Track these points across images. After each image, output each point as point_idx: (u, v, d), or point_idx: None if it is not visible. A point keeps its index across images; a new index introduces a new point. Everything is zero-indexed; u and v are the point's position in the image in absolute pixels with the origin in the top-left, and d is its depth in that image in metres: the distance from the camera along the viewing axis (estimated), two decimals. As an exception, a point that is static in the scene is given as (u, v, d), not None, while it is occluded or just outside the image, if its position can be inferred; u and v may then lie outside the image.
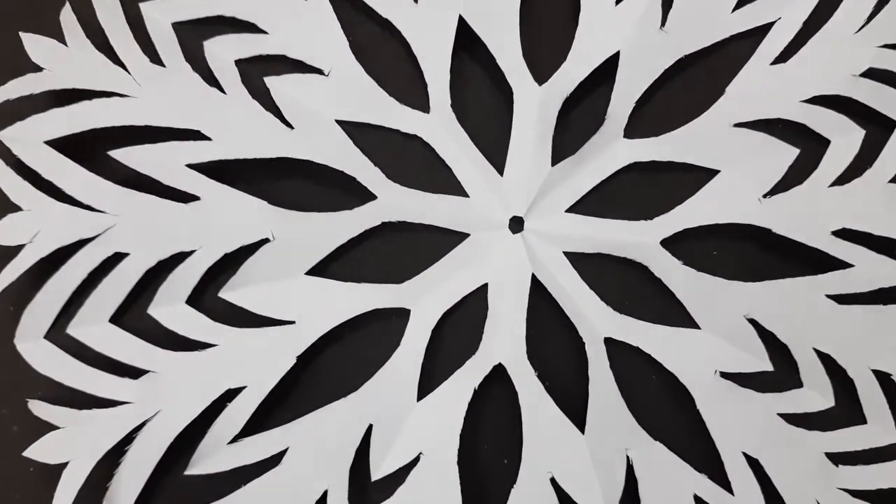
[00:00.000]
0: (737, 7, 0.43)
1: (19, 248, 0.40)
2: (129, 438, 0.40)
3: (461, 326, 0.42)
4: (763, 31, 0.43)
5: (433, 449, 0.41)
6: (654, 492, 0.41)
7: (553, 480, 0.40)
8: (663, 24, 0.42)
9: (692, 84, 0.44)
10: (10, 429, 0.42)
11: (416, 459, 0.40)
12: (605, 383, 0.41)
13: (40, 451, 0.39)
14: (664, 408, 0.42)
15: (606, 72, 0.43)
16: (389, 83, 0.43)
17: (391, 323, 0.42)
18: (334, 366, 0.42)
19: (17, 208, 0.40)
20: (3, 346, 0.40)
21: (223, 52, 0.41)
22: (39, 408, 0.39)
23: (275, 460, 0.40)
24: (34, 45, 0.41)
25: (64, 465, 0.39)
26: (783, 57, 0.43)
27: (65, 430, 0.40)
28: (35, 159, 0.40)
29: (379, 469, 0.40)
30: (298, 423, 0.40)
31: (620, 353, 0.42)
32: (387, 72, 0.43)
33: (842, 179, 0.42)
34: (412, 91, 0.43)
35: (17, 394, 0.41)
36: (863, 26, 0.43)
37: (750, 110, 0.43)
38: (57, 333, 0.40)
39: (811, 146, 0.42)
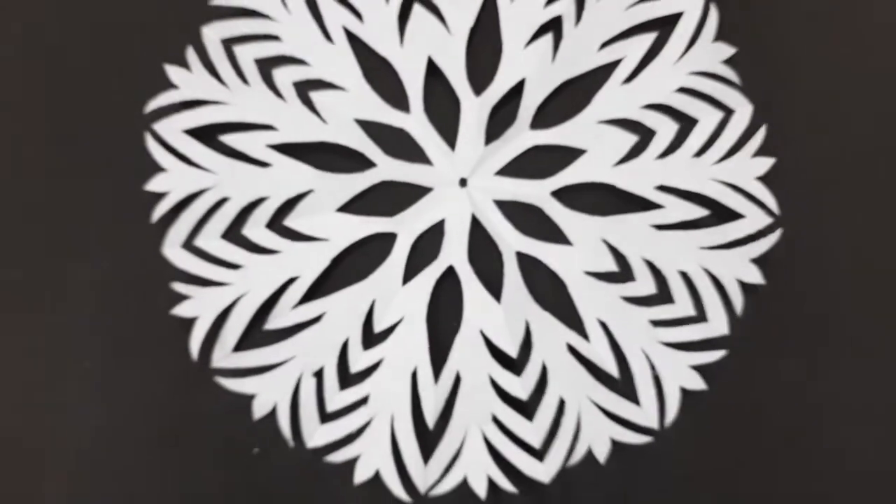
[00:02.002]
0: (601, 48, 0.65)
1: (165, 194, 0.64)
2: (232, 305, 0.63)
3: (428, 244, 0.65)
4: (617, 63, 0.65)
5: (411, 314, 0.64)
6: (542, 341, 0.64)
7: (482, 332, 0.64)
8: (553, 59, 0.65)
9: (572, 96, 0.66)
10: (162, 305, 0.64)
11: (401, 320, 0.64)
12: (514, 276, 0.64)
13: (181, 309, 0.63)
14: (550, 292, 0.65)
15: (519, 88, 0.65)
16: (385, 95, 0.65)
17: (386, 241, 0.65)
18: (352, 266, 0.65)
19: (163, 170, 0.64)
20: (154, 255, 0.64)
21: (284, 77, 0.64)
22: (180, 287, 0.63)
23: (317, 319, 0.64)
24: (173, 73, 0.64)
25: (194, 319, 0.63)
26: (629, 79, 0.65)
27: (194, 299, 0.63)
28: (175, 141, 0.64)
29: (380, 325, 0.64)
30: (331, 298, 0.64)
31: (524, 260, 0.65)
32: (384, 88, 0.66)
33: (663, 155, 0.64)
34: (400, 100, 0.66)
35: (164, 282, 0.63)
36: (678, 60, 0.65)
37: (607, 112, 0.65)
38: (187, 245, 0.63)
39: (645, 135, 0.65)
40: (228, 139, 0.65)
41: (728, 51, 0.65)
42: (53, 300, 0.65)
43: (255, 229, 0.64)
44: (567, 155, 0.66)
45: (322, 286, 0.65)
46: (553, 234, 0.66)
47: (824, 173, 0.67)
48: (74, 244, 0.65)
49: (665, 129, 0.65)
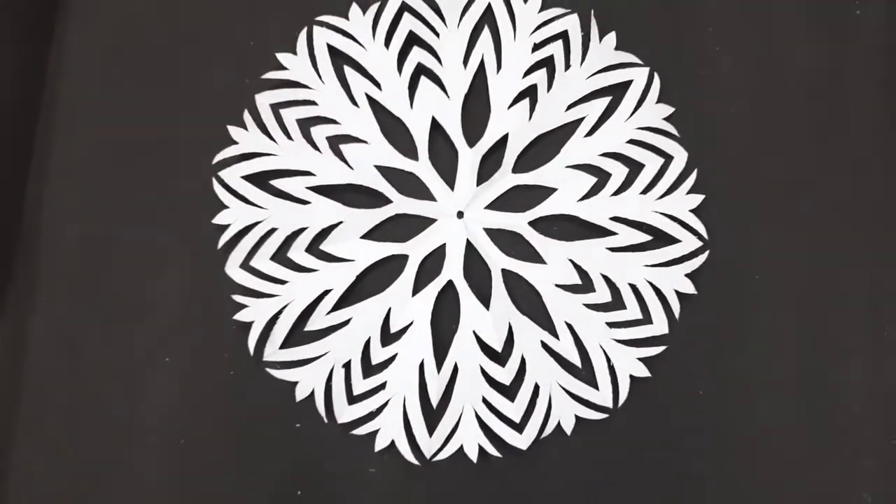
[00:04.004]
0: (568, 108, 0.79)
1: (227, 226, 0.78)
2: (279, 312, 0.77)
3: (433, 264, 0.79)
4: (580, 120, 0.79)
5: (419, 320, 0.78)
6: (521, 339, 0.78)
7: (474, 332, 0.78)
8: (530, 118, 0.79)
9: (545, 147, 0.80)
10: (226, 313, 0.78)
11: (410, 324, 0.78)
12: (500, 289, 0.78)
13: (241, 315, 0.78)
14: (528, 301, 0.79)
15: (504, 140, 0.80)
16: (399, 146, 0.80)
17: (399, 261, 0.79)
18: (371, 281, 0.79)
19: (226, 207, 0.78)
20: (219, 273, 0.78)
21: (320, 133, 0.79)
22: (239, 298, 0.78)
23: (345, 323, 0.78)
24: (234, 131, 0.79)
25: (251, 323, 0.78)
26: (590, 133, 0.79)
27: (250, 308, 0.78)
28: (235, 184, 0.78)
29: (395, 327, 0.78)
30: (356, 306, 0.78)
31: (508, 275, 0.79)
32: (398, 141, 0.80)
33: (617, 192, 0.79)
34: (410, 150, 0.80)
35: (227, 294, 0.78)
36: (629, 118, 0.79)
37: (573, 159, 0.79)
38: (244, 265, 0.78)
39: (602, 178, 0.79)
40: (277, 183, 0.79)
41: (668, 110, 0.80)
42: (143, 310, 0.79)
43: (297, 252, 0.78)
44: (541, 192, 0.80)
45: (349, 297, 0.79)
46: (530, 255, 0.80)
47: (742, 206, 0.81)
48: (159, 266, 0.80)
49: (618, 171, 0.79)
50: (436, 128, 0.81)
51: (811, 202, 0.81)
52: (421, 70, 0.81)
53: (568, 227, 0.80)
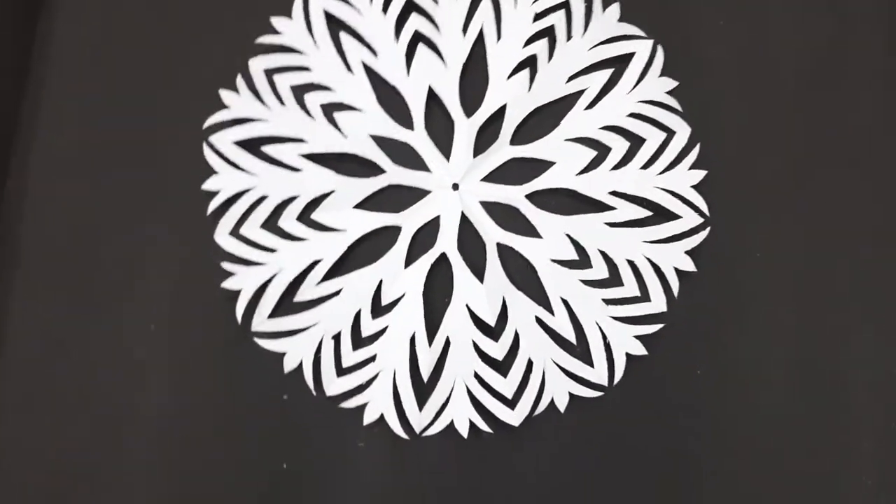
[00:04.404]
0: (569, 80, 0.78)
1: (215, 193, 0.77)
2: (268, 281, 0.76)
3: (426, 235, 0.78)
4: (581, 92, 0.78)
5: (411, 293, 0.76)
6: (515, 309, 0.76)
7: (467, 306, 0.76)
8: (530, 88, 0.78)
9: (544, 119, 0.78)
10: (214, 280, 0.77)
11: (402, 296, 0.77)
12: (494, 262, 0.77)
13: (228, 284, 0.76)
14: (523, 275, 0.77)
15: (501, 112, 0.78)
16: (394, 114, 0.78)
17: (391, 232, 0.78)
18: (363, 252, 0.77)
19: (215, 173, 0.77)
20: (207, 241, 0.77)
21: (314, 100, 0.77)
22: (226, 266, 0.76)
23: (336, 294, 0.76)
24: (225, 95, 0.77)
25: (238, 291, 0.76)
26: (591, 105, 0.78)
27: (238, 276, 0.76)
28: (226, 150, 0.77)
29: (387, 297, 0.76)
30: (347, 277, 0.77)
31: (503, 250, 0.77)
32: (392, 109, 0.78)
33: (616, 166, 0.77)
34: (406, 120, 0.78)
35: (214, 263, 0.76)
36: (631, 90, 0.78)
37: (573, 132, 0.78)
38: (233, 233, 0.76)
39: (601, 151, 0.77)
40: (268, 149, 0.77)
41: (671, 83, 0.78)
42: (131, 277, 0.78)
43: (288, 221, 0.77)
44: (539, 166, 0.79)
45: (340, 268, 0.78)
46: (527, 229, 0.79)
47: (744, 183, 0.80)
48: (147, 233, 0.79)
49: (618, 146, 0.78)
50: (432, 98, 0.79)
51: (815, 181, 0.80)
52: (418, 38, 0.79)
53: (566, 202, 0.79)
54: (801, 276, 0.79)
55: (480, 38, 0.79)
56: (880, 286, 0.79)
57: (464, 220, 0.79)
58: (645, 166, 0.78)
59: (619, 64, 0.79)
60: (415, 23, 0.79)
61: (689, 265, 0.77)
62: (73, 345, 0.78)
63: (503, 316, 0.77)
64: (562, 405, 0.76)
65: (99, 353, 0.78)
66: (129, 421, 0.77)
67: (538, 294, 0.78)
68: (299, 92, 0.78)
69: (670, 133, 0.78)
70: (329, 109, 0.78)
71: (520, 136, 0.79)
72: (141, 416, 0.77)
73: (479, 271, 0.78)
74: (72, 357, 0.77)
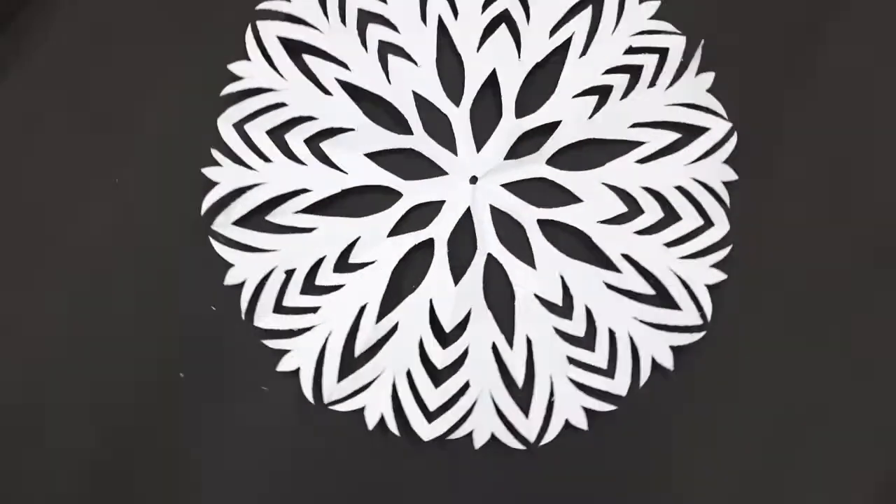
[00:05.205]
0: (551, 34, 0.73)
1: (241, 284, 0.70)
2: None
3: (462, 235, 0.72)
4: (568, 43, 0.72)
5: (475, 305, 0.72)
6: (582, 289, 0.72)
7: (536, 296, 0.72)
8: (519, 56, 0.73)
9: (542, 84, 0.73)
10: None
11: (469, 313, 0.71)
12: (540, 241, 0.73)
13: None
14: (575, 248, 0.73)
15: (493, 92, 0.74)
16: (389, 126, 0.72)
17: (426, 247, 0.72)
18: (406, 276, 0.72)
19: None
20: (247, 329, 0.70)
21: (295, 138, 0.72)
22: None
23: (395, 329, 0.71)
24: (210, 172, 0.70)
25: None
26: (584, 53, 0.72)
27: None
28: (235, 234, 0.71)
29: (446, 317, 0.71)
30: (400, 308, 0.71)
31: (545, 227, 0.73)
32: (387, 121, 0.72)
33: (623, 96, 0.72)
34: (403, 128, 0.72)
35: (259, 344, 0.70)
36: (614, 29, 0.73)
37: (574, 87, 0.72)
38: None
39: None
40: (274, 217, 0.72)
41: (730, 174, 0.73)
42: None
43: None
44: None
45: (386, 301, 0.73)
46: (561, 199, 0.74)
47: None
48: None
49: (619, 83, 0.74)
50: (417, 99, 0.74)
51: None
52: (384, 46, 0.74)
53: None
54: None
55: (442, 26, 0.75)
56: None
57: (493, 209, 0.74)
58: (651, 85, 0.74)
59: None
60: (374, 32, 0.74)
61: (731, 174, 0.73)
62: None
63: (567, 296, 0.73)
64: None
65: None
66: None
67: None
68: (280, 133, 0.73)
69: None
70: (317, 140, 0.74)
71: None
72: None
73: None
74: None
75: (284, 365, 0.72)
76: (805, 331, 0.74)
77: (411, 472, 0.73)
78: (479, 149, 0.74)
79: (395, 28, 0.74)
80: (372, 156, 0.73)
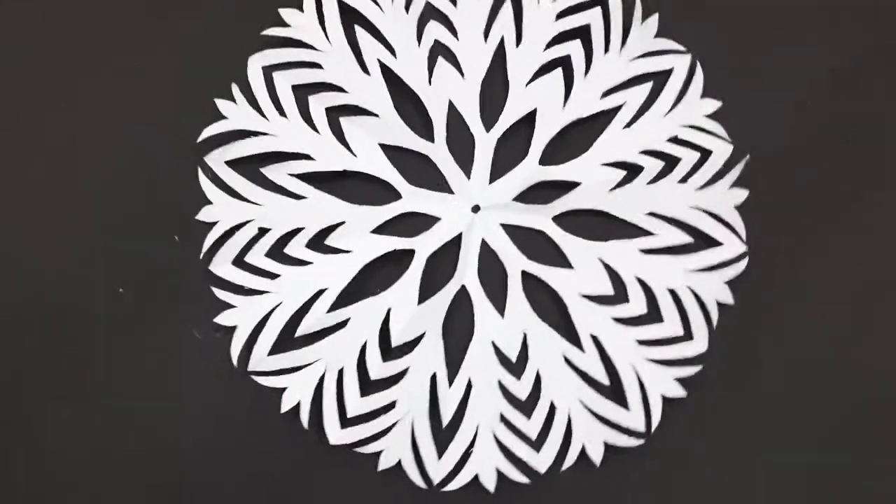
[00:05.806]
0: (603, 96, 0.71)
1: (213, 223, 0.68)
2: (268, 315, 0.68)
3: (440, 261, 0.70)
4: (617, 109, 0.71)
5: (431, 330, 0.69)
6: (539, 354, 0.69)
7: (493, 343, 0.69)
8: (564, 105, 0.71)
9: (576, 138, 0.71)
10: (209, 316, 0.69)
11: (422, 336, 0.69)
12: (517, 296, 0.70)
13: (221, 319, 0.68)
14: (549, 311, 0.70)
15: (528, 128, 0.72)
16: (413, 125, 0.70)
17: (404, 256, 0.70)
18: (374, 277, 0.69)
19: (209, 202, 0.69)
20: (203, 272, 0.69)
21: (318, 104, 0.70)
22: (220, 293, 0.68)
23: (344, 323, 0.69)
24: (222, 104, 0.69)
25: (234, 327, 0.68)
26: (629, 125, 0.71)
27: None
28: (222, 172, 0.70)
29: (397, 332, 0.69)
30: (357, 306, 0.69)
31: (528, 280, 0.70)
32: (412, 119, 0.71)
33: (652, 181, 0.70)
34: (426, 132, 0.70)
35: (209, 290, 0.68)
36: (668, 112, 0.71)
37: (607, 155, 0.71)
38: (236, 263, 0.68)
39: (635, 170, 0.70)
40: (269, 172, 0.71)
41: (713, 105, 0.72)
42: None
43: (295, 248, 0.70)
44: (565, 187, 0.72)
45: (348, 298, 0.70)
46: (555, 257, 0.72)
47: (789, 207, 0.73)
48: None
49: (654, 164, 0.71)
50: (452, 110, 0.72)
51: (868, 212, 0.74)
52: (438, 46, 0.72)
53: (595, 225, 0.72)
54: (856, 310, 0.73)
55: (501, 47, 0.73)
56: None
57: (484, 245, 0.72)
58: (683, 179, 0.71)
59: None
60: (433, 30, 0.72)
61: (728, 297, 0.70)
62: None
63: (523, 352, 0.70)
64: (597, 457, 0.69)
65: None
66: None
67: (568, 329, 0.71)
68: (301, 94, 0.71)
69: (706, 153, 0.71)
70: (338, 114, 0.72)
71: (547, 156, 0.72)
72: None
73: (498, 302, 0.71)
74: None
75: (223, 318, 0.69)
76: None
77: (309, 472, 0.71)
78: (492, 180, 0.72)
79: (454, 33, 0.72)
80: (386, 148, 0.71)
